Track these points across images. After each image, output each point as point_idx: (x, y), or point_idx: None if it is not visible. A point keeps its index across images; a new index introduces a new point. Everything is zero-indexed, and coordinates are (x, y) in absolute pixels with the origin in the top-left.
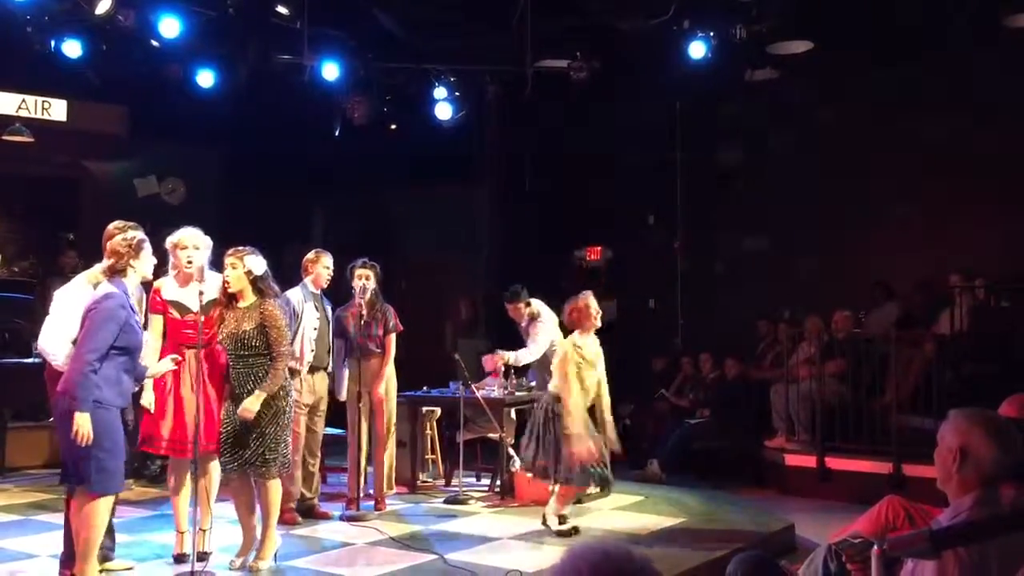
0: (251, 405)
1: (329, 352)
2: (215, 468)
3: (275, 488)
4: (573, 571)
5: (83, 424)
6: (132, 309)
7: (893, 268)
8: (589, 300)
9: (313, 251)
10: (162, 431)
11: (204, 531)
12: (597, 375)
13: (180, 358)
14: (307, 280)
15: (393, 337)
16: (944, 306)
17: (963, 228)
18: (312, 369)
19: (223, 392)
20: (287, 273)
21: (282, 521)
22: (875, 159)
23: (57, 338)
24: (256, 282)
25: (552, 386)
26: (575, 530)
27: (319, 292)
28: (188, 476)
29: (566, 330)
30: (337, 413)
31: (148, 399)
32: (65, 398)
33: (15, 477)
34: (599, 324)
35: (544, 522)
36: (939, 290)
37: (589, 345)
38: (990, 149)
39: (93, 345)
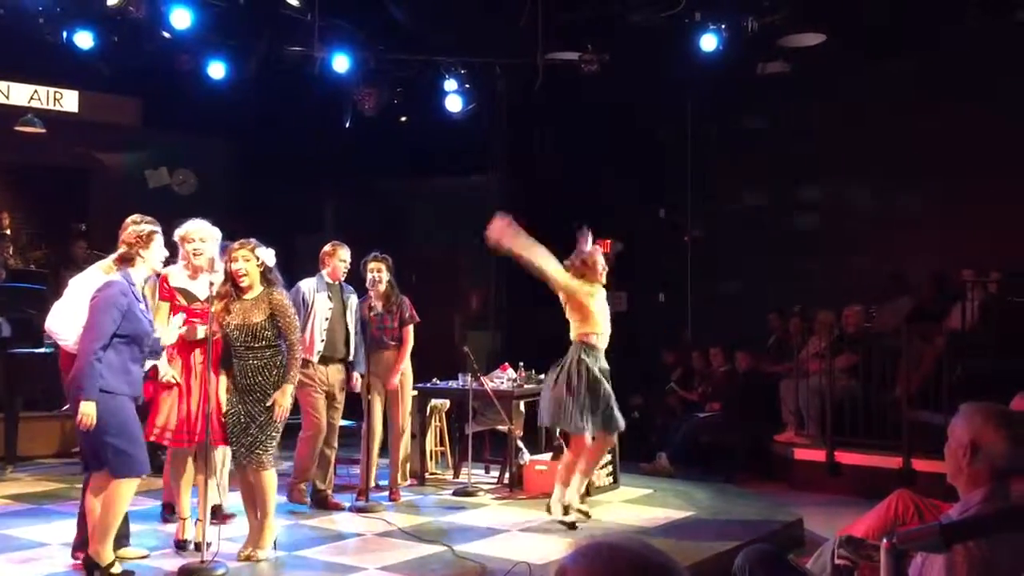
0: (283, 400)
1: (346, 343)
2: (220, 458)
3: (270, 479)
4: (610, 571)
5: (87, 412)
6: (137, 297)
7: (907, 262)
8: (597, 256)
9: (330, 243)
10: (158, 421)
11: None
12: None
13: (188, 317)
14: (324, 272)
15: (410, 329)
16: (956, 300)
17: (979, 222)
18: (326, 360)
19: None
20: (297, 264)
21: (291, 499)
22: (890, 153)
23: (65, 319)
24: (266, 273)
25: (574, 334)
26: (578, 521)
27: (337, 283)
28: (189, 464)
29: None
30: (349, 405)
31: (169, 373)
32: (73, 388)
33: (27, 466)
34: (604, 281)
35: (548, 510)
36: (952, 284)
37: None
38: (1008, 142)
39: (95, 334)
